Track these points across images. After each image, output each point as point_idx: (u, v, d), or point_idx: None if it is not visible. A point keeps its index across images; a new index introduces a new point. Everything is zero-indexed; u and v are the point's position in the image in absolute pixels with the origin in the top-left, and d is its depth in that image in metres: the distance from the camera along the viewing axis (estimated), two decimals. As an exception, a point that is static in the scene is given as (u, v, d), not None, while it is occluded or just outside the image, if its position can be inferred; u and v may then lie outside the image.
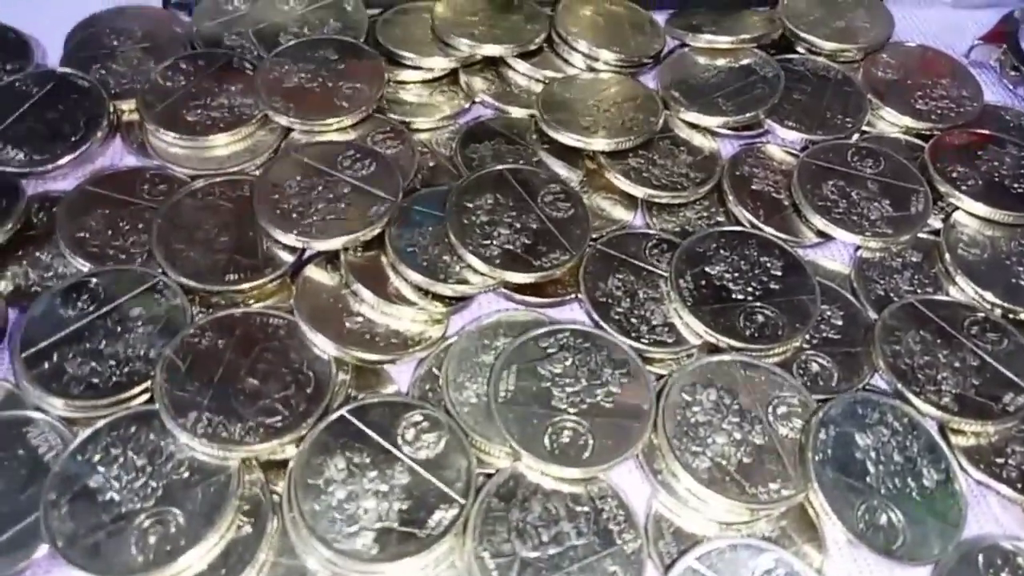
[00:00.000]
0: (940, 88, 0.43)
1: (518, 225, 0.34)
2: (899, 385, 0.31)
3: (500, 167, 0.36)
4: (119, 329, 0.31)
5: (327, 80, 0.39)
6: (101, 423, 0.29)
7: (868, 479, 0.29)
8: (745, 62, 0.43)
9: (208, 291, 0.32)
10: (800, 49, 0.45)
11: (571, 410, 0.30)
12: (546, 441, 0.29)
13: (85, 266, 0.33)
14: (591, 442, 0.29)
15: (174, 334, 0.31)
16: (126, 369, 0.30)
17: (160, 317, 0.31)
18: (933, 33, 0.48)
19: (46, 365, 0.30)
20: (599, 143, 0.38)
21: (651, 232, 0.36)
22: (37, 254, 0.34)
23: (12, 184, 0.35)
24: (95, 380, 0.30)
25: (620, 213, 0.38)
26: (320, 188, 0.35)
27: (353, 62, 0.40)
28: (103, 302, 0.32)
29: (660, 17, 0.46)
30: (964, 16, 0.49)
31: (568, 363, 0.31)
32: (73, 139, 0.37)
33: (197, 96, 0.38)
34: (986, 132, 0.40)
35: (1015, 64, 0.44)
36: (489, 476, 0.29)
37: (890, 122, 0.42)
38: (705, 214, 0.38)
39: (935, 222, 0.38)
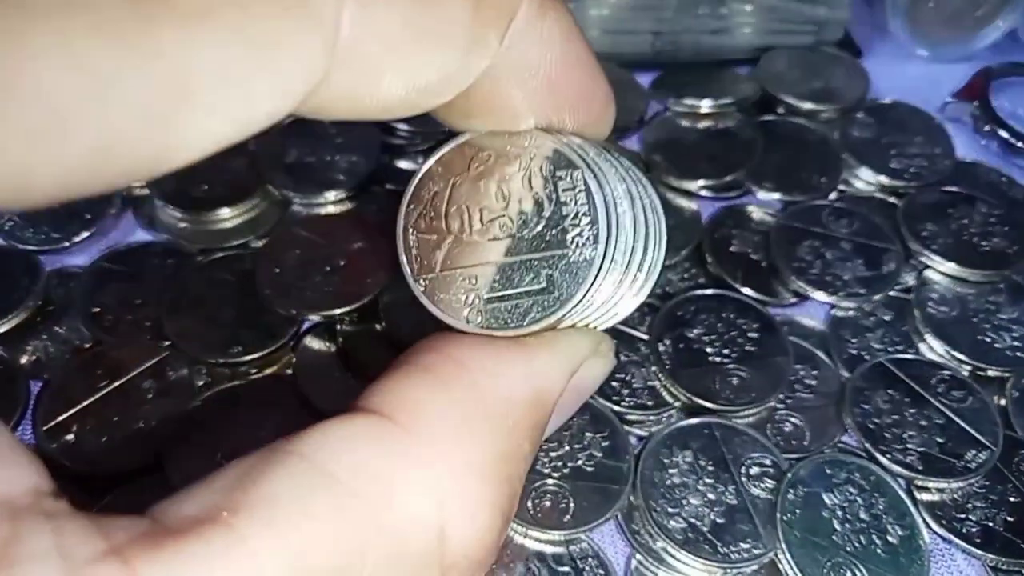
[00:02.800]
0: (914, 146, 0.44)
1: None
2: (867, 444, 0.33)
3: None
4: (133, 401, 0.33)
5: (324, 154, 0.41)
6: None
7: (834, 537, 0.31)
8: (725, 125, 0.45)
9: (213, 363, 0.35)
10: (780, 109, 0.47)
11: (554, 474, 0.32)
12: (529, 505, 0.31)
13: (101, 339, 0.35)
14: (571, 505, 0.31)
15: (183, 406, 0.33)
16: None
17: (168, 389, 0.34)
18: (910, 88, 0.49)
19: (68, 437, 0.32)
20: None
21: (633, 296, 0.38)
22: (55, 328, 0.36)
23: (33, 262, 0.37)
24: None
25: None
26: (317, 260, 0.37)
27: (351, 137, 0.42)
28: (116, 375, 0.34)
29: (645, 79, 0.48)
30: (940, 70, 0.51)
31: (551, 427, 0.33)
32: (87, 216, 0.39)
33: (201, 172, 0.41)
34: (956, 190, 0.42)
35: (987, 120, 0.46)
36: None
37: (866, 181, 0.43)
38: (686, 275, 0.40)
39: (910, 279, 0.39)
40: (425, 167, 0.23)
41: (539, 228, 0.21)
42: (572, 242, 0.21)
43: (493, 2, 0.20)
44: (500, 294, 0.22)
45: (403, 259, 0.23)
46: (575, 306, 0.21)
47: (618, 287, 0.22)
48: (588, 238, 0.21)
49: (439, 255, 0.22)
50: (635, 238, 0.22)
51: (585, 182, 0.21)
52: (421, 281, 0.22)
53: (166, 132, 0.16)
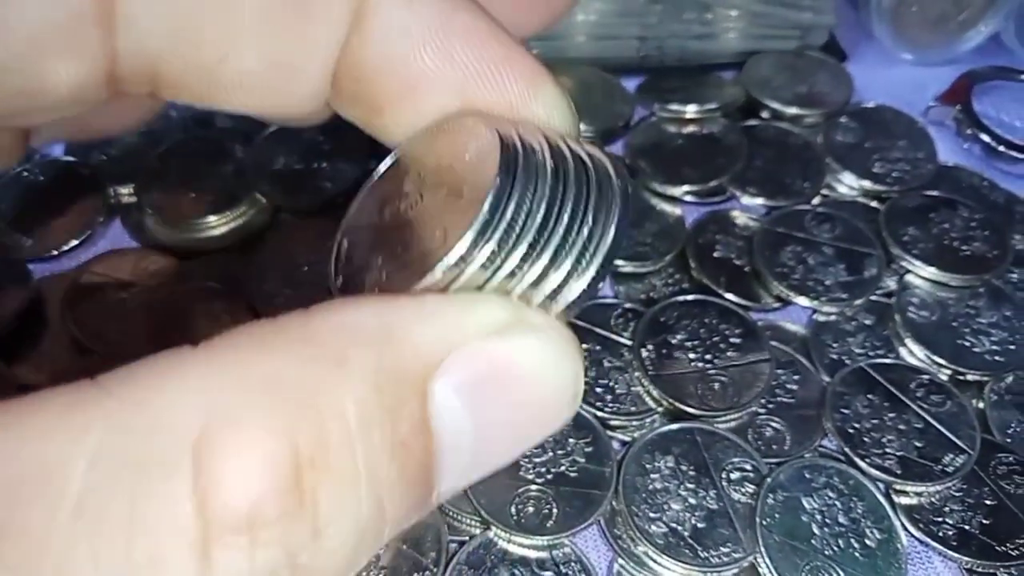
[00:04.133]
0: (897, 150, 0.45)
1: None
2: (846, 449, 0.33)
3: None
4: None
5: (312, 161, 0.42)
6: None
7: (813, 541, 0.31)
8: (710, 130, 0.45)
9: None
10: (764, 114, 0.47)
11: (537, 480, 0.32)
12: (512, 511, 0.31)
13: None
14: (555, 510, 0.32)
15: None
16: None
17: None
18: (895, 91, 0.50)
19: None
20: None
21: (616, 302, 0.39)
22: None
23: (21, 270, 0.38)
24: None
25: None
26: (306, 268, 0.37)
27: (340, 144, 0.42)
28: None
29: (631, 83, 0.48)
30: (925, 73, 0.51)
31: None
32: (77, 225, 0.39)
33: (188, 180, 0.41)
34: (938, 194, 0.42)
35: (969, 124, 0.46)
36: (461, 544, 0.31)
37: (848, 185, 0.44)
38: (670, 280, 0.40)
39: (891, 284, 0.40)
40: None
41: (444, 194, 0.20)
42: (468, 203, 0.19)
43: None
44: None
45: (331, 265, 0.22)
46: (466, 263, 0.18)
47: (548, 262, 0.19)
48: (472, 194, 0.19)
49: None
50: (560, 209, 0.19)
51: (500, 145, 0.19)
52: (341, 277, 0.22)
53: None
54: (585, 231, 0.19)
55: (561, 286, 0.19)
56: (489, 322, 0.18)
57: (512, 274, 0.19)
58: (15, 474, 0.14)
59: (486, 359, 0.17)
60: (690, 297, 0.38)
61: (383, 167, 0.22)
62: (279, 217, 0.41)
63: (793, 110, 0.46)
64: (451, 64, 0.21)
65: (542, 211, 0.19)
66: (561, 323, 0.19)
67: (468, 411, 0.17)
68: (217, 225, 0.40)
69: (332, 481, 0.16)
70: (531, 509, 0.32)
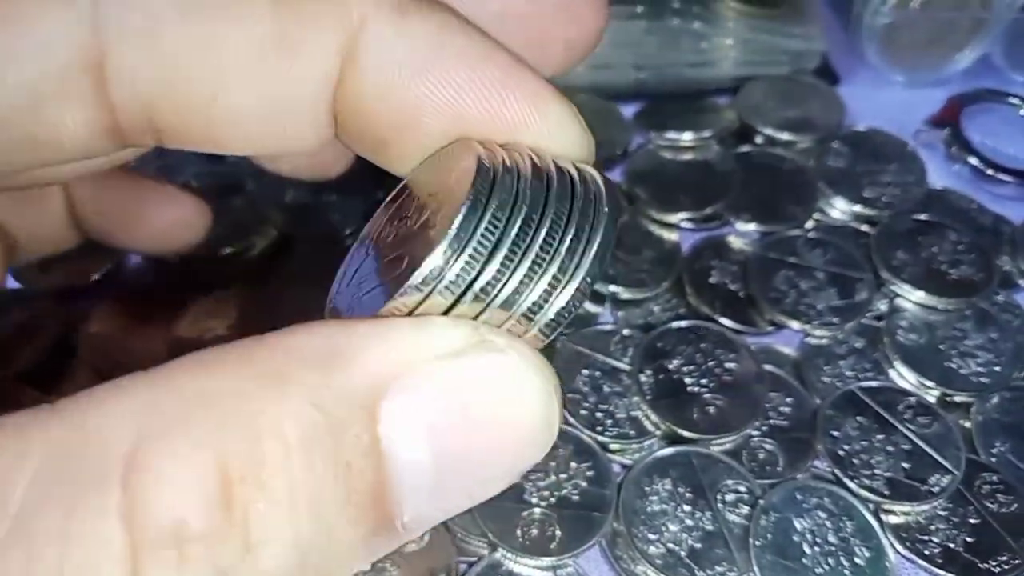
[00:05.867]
0: (887, 174, 0.46)
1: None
2: (836, 471, 0.35)
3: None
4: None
5: (321, 194, 0.43)
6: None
7: (804, 560, 0.33)
8: (705, 157, 0.47)
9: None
10: (758, 139, 0.48)
11: (541, 503, 0.34)
12: (518, 533, 0.33)
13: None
14: (558, 533, 0.33)
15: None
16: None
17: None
18: (887, 113, 0.51)
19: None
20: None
21: (615, 328, 0.40)
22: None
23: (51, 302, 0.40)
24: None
25: (589, 307, 0.42)
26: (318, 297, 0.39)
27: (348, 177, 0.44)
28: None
29: (629, 109, 0.50)
30: (916, 95, 0.53)
31: (539, 458, 0.35)
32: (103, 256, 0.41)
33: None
34: (926, 218, 0.44)
35: (958, 147, 0.48)
36: (470, 564, 0.33)
37: (840, 210, 0.45)
38: (668, 306, 0.42)
39: (882, 307, 0.41)
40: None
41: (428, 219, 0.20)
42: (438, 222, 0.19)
43: (325, 10, 0.21)
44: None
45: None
46: (433, 283, 0.18)
47: (520, 282, 0.19)
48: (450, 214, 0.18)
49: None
50: (537, 228, 0.19)
51: (475, 167, 0.19)
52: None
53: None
54: (563, 249, 0.19)
55: (539, 304, 0.19)
56: (445, 343, 0.17)
57: (481, 296, 0.18)
58: None
59: (440, 380, 0.17)
60: (686, 323, 0.40)
61: (389, 197, 0.23)
62: (292, 249, 0.42)
63: (785, 136, 0.48)
64: (448, 89, 0.21)
65: (514, 231, 0.19)
66: (529, 345, 0.19)
67: (422, 433, 0.17)
68: (229, 255, 0.42)
69: (266, 499, 0.16)
70: (536, 531, 0.33)
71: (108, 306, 0.40)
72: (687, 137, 0.47)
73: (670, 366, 0.38)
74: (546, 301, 0.19)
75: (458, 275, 0.18)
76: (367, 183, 0.44)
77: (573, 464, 0.35)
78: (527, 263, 0.19)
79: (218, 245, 0.42)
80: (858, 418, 0.36)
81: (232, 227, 0.42)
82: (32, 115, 0.21)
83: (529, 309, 0.19)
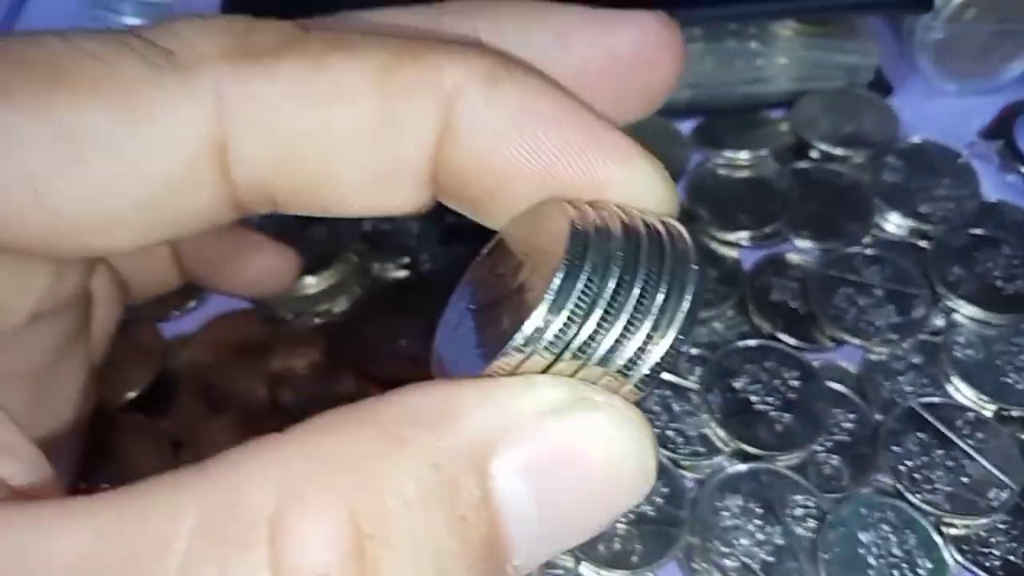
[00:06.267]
0: (942, 188, 0.48)
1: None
2: (898, 486, 0.37)
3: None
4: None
5: (398, 221, 0.46)
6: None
7: (870, 572, 0.35)
8: (761, 174, 0.49)
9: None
10: (813, 154, 0.50)
11: (622, 520, 0.36)
12: (601, 548, 0.36)
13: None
14: (638, 547, 0.36)
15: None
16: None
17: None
18: (940, 123, 0.52)
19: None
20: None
21: (684, 349, 0.42)
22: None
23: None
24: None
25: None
26: (403, 343, 0.42)
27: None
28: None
29: (686, 126, 0.52)
30: (969, 104, 0.53)
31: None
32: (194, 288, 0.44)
33: (287, 240, 0.45)
34: (981, 232, 0.45)
35: (1011, 158, 0.49)
36: (555, 577, 0.36)
37: (896, 225, 0.47)
38: (731, 323, 0.44)
39: (939, 322, 0.43)
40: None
41: (525, 279, 0.21)
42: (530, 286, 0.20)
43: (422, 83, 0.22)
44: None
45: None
46: (533, 344, 0.19)
47: (618, 338, 0.20)
48: (547, 275, 0.19)
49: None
50: (631, 285, 0.20)
51: (569, 229, 0.20)
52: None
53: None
54: (657, 303, 0.20)
55: (633, 361, 0.20)
56: (547, 401, 0.19)
57: (579, 355, 0.19)
58: (127, 549, 0.17)
59: (544, 436, 0.19)
60: (751, 343, 0.42)
61: (485, 250, 0.24)
62: (373, 277, 0.45)
63: (840, 151, 0.49)
64: (538, 153, 0.22)
65: (608, 292, 0.19)
66: (626, 400, 0.20)
67: (528, 488, 0.18)
68: (316, 284, 0.45)
69: (393, 552, 0.17)
70: (618, 546, 0.36)
71: (204, 333, 0.43)
72: (744, 156, 0.49)
73: (736, 385, 0.40)
74: (640, 358, 0.20)
75: (556, 336, 0.19)
76: (439, 207, 0.46)
77: (649, 481, 0.37)
78: (621, 322, 0.20)
79: (300, 274, 0.44)
80: (918, 434, 0.38)
81: (313, 256, 0.45)
82: (168, 201, 0.23)
83: (624, 366, 0.20)
